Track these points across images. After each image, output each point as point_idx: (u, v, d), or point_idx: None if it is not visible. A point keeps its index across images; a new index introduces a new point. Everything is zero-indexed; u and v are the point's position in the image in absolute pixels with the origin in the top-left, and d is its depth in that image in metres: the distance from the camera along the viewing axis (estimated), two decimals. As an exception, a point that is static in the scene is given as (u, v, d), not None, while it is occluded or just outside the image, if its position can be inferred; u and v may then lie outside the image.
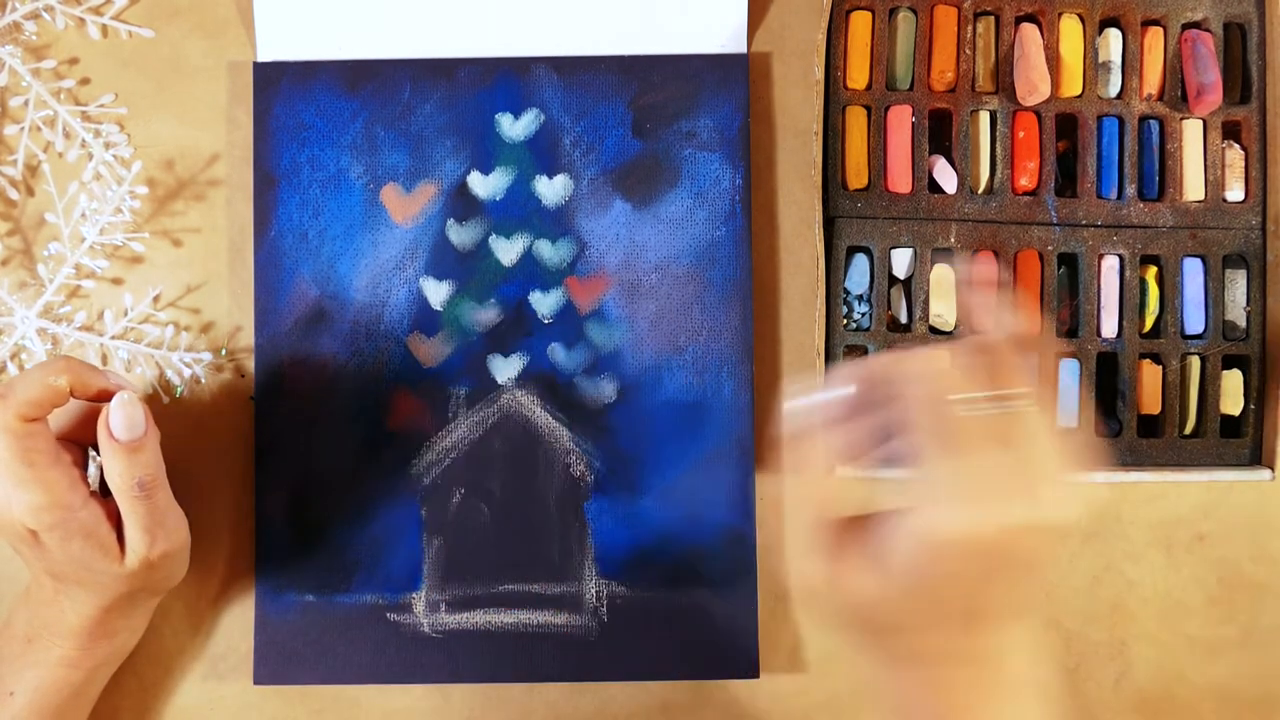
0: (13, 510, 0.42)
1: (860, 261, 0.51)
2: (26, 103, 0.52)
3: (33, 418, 0.42)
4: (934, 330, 0.51)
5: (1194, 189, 0.51)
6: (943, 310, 0.51)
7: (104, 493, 0.44)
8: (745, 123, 0.52)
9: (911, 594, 0.35)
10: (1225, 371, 0.51)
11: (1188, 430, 0.51)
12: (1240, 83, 0.52)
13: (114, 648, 0.47)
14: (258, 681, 0.51)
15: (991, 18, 0.52)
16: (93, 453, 0.46)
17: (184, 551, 0.47)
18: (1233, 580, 0.53)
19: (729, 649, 0.51)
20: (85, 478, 0.44)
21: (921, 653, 0.37)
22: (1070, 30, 0.52)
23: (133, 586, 0.45)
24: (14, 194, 0.53)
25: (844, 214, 0.51)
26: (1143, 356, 0.51)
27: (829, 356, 0.50)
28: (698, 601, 0.51)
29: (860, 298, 0.51)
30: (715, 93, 0.52)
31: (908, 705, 0.37)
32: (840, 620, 0.38)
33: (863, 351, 0.51)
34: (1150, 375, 0.51)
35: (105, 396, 0.44)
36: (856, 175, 0.51)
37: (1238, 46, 0.52)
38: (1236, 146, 0.52)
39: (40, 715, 0.45)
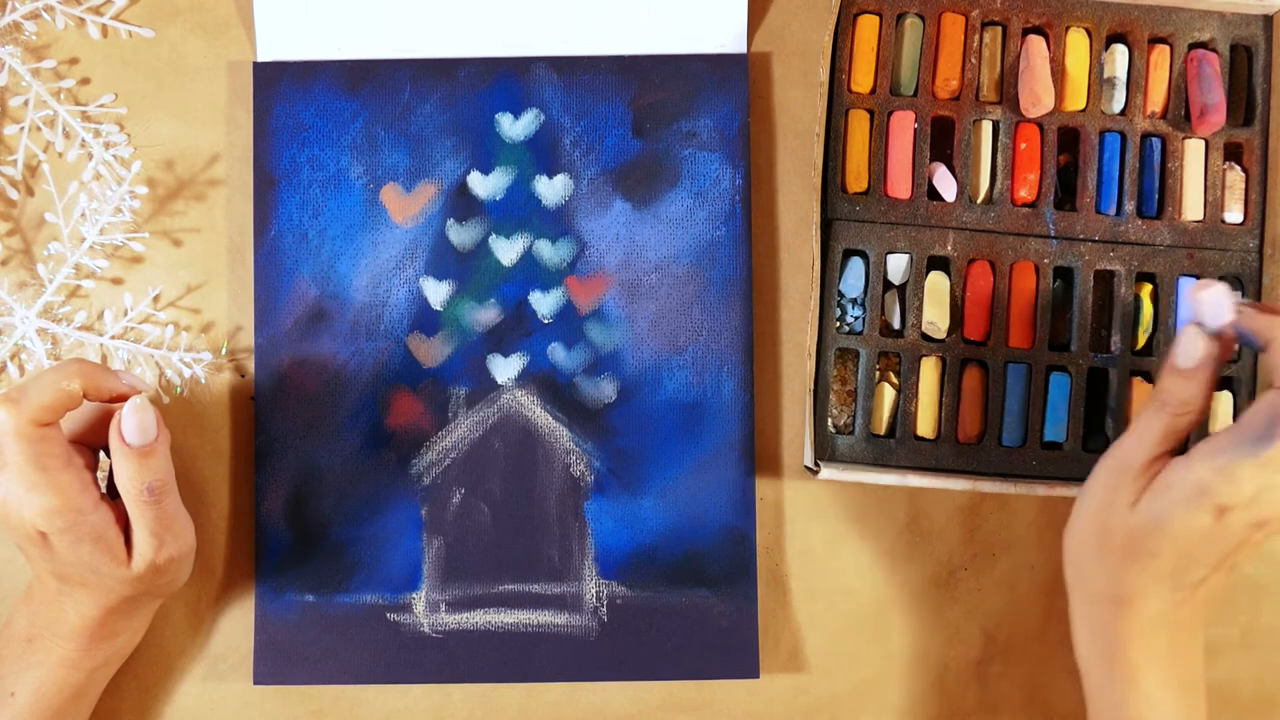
0: (24, 513, 0.42)
1: (856, 265, 0.51)
2: (26, 103, 0.52)
3: (46, 422, 0.42)
4: (926, 338, 0.51)
5: (1193, 209, 0.51)
6: (935, 318, 0.51)
7: (112, 495, 0.44)
8: (745, 123, 0.52)
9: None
10: (1216, 393, 0.51)
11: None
12: (1244, 105, 0.52)
13: (115, 649, 0.47)
14: (258, 681, 0.51)
15: (998, 28, 0.52)
16: (102, 455, 0.46)
17: (189, 556, 0.47)
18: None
19: (729, 649, 0.51)
20: (96, 481, 0.44)
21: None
22: (1077, 44, 0.51)
23: (137, 590, 0.45)
24: (14, 194, 0.53)
25: (842, 217, 0.51)
26: (1134, 374, 0.51)
27: (820, 359, 0.50)
28: (698, 601, 0.51)
29: (854, 301, 0.51)
30: (715, 93, 0.52)
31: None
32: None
33: (854, 356, 0.51)
34: (1141, 392, 0.51)
35: (119, 399, 0.44)
36: (856, 179, 0.51)
37: (1244, 68, 0.52)
38: (1237, 168, 0.52)
39: (40, 716, 0.45)
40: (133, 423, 0.43)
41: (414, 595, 0.51)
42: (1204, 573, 0.41)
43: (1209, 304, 0.40)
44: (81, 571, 0.43)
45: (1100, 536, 0.42)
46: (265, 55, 0.52)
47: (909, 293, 0.51)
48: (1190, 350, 0.40)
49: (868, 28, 0.51)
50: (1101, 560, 0.42)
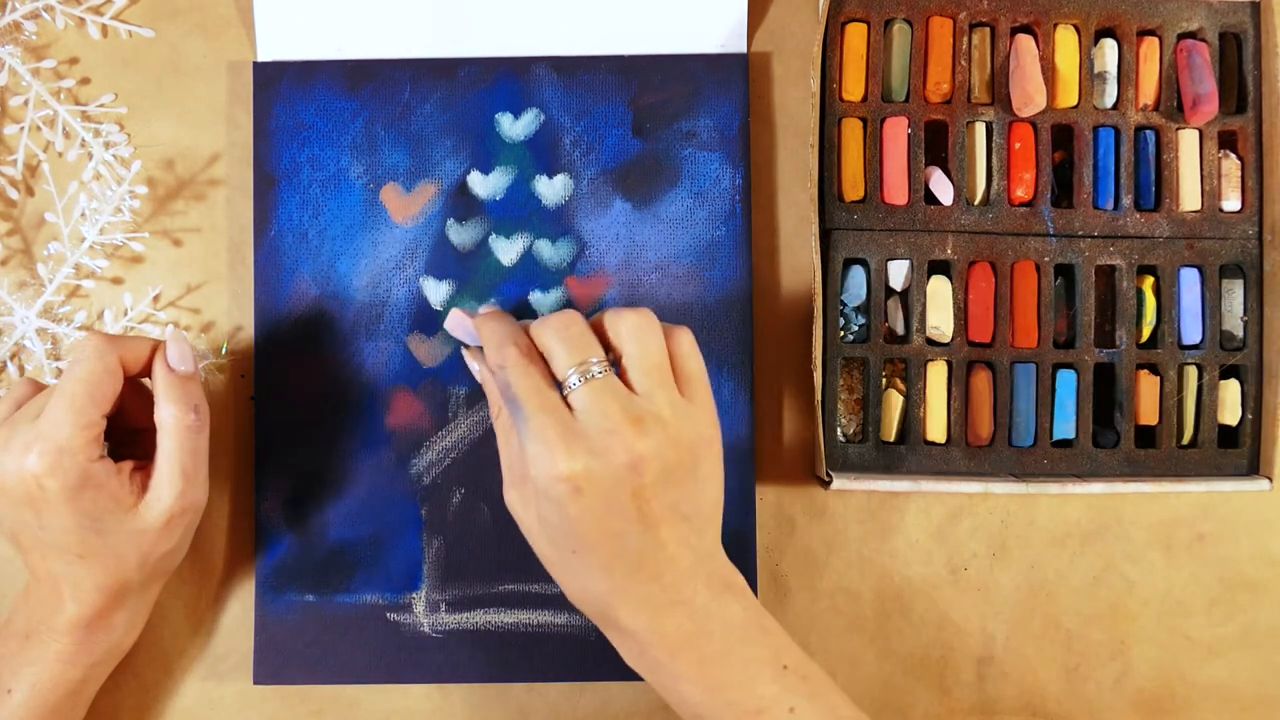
0: (29, 456, 0.42)
1: (857, 273, 0.51)
2: (26, 103, 0.52)
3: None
4: (931, 342, 0.51)
5: (1190, 199, 0.51)
6: (940, 322, 0.51)
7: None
8: (745, 122, 0.52)
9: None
10: (1223, 381, 0.51)
11: (1185, 440, 0.51)
12: (1236, 92, 0.52)
13: (112, 643, 0.47)
14: (258, 681, 0.51)
15: (987, 29, 0.52)
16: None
17: (196, 520, 0.47)
18: (1233, 580, 0.53)
19: (729, 649, 0.51)
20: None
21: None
22: (1066, 41, 0.51)
23: (141, 551, 0.45)
24: (14, 194, 0.53)
25: (840, 226, 0.51)
26: (1140, 367, 0.51)
27: (826, 369, 0.50)
28: (698, 601, 0.51)
29: (857, 310, 0.51)
30: (715, 93, 0.52)
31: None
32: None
33: (860, 364, 0.51)
34: (1148, 386, 0.51)
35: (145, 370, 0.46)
36: (853, 187, 0.51)
37: (1233, 56, 0.52)
38: (1233, 156, 0.52)
39: (37, 713, 0.45)
40: (175, 350, 0.45)
41: (414, 595, 0.51)
42: (636, 541, 0.41)
43: (456, 330, 0.47)
44: (81, 534, 0.43)
45: (550, 561, 0.43)
46: (265, 55, 0.52)
47: (911, 298, 0.51)
48: (474, 369, 0.47)
49: (856, 35, 0.51)
50: (570, 578, 0.43)
